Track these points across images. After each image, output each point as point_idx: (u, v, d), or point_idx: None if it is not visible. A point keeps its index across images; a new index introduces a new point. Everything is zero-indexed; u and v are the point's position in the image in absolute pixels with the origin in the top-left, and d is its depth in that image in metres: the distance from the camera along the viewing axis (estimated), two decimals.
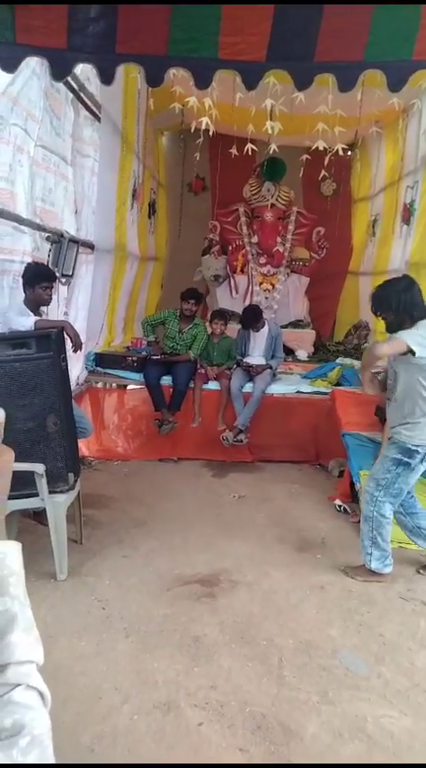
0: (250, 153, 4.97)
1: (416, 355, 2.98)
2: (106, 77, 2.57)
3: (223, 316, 5.88)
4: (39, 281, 3.49)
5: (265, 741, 2.17)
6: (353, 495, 4.41)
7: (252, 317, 5.65)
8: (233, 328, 6.13)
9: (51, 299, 3.65)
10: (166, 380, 5.39)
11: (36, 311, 3.57)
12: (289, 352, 6.94)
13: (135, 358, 5.47)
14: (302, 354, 7.11)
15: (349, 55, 2.67)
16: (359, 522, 3.46)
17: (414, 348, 2.97)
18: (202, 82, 2.54)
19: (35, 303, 3.54)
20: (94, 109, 4.65)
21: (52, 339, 3.08)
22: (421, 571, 3.45)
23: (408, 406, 3.15)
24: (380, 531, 3.25)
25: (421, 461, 3.16)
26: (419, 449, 3.13)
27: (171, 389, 5.35)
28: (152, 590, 3.13)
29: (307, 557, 3.64)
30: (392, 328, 3.16)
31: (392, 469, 3.19)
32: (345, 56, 2.67)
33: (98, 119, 4.76)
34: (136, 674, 2.47)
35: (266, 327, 5.81)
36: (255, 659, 2.62)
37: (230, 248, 7.44)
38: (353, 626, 2.90)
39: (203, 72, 2.52)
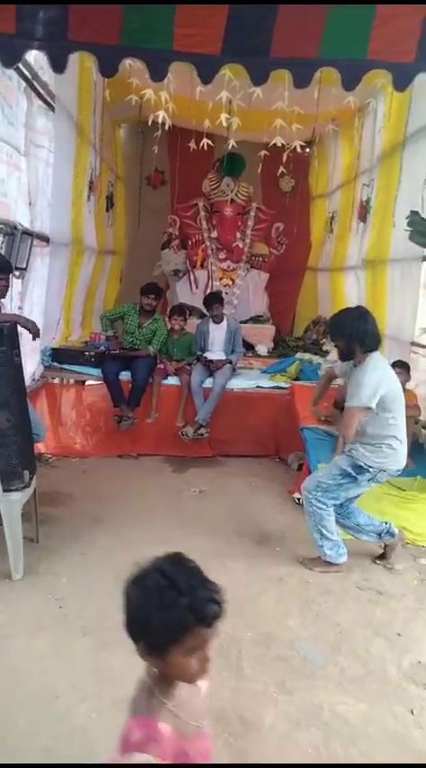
0: (206, 148, 4.95)
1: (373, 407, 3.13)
2: (58, 65, 2.51)
3: (182, 311, 5.86)
4: None
5: (224, 733, 2.18)
6: None
7: (214, 300, 5.68)
8: (193, 323, 6.12)
9: (7, 290, 3.54)
10: (125, 376, 5.34)
11: None
12: (249, 347, 6.98)
13: (93, 353, 5.39)
14: (262, 349, 7.15)
15: (304, 52, 2.70)
16: None
17: (371, 406, 3.13)
18: (157, 74, 2.51)
19: None
20: (48, 98, 4.55)
21: (4, 334, 3.00)
22: (377, 561, 3.54)
23: (370, 430, 3.23)
24: (323, 523, 3.34)
25: (369, 480, 3.27)
26: (371, 469, 3.23)
27: (130, 385, 5.31)
28: (110, 587, 3.10)
29: (266, 550, 3.68)
30: (344, 355, 3.31)
31: (337, 479, 3.29)
32: (300, 52, 2.69)
33: (52, 108, 4.65)
34: (94, 671, 2.45)
35: (225, 322, 5.83)
36: (214, 652, 2.62)
37: (190, 243, 7.41)
38: (311, 616, 2.95)
39: (158, 64, 2.50)
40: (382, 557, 3.55)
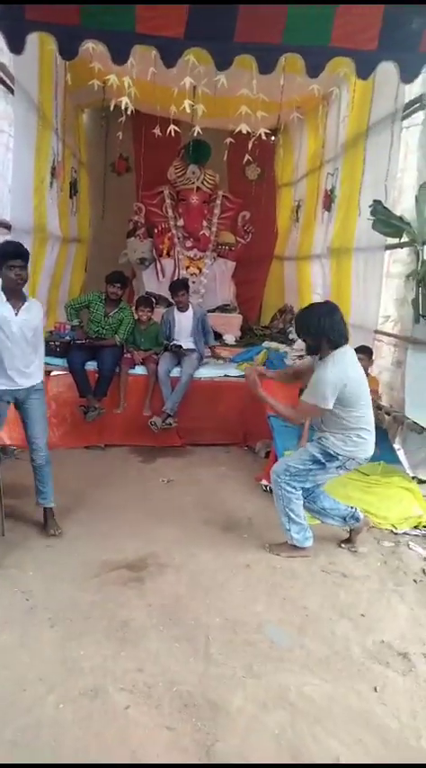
0: (173, 134, 4.89)
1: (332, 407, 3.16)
2: (15, 46, 2.45)
3: (149, 302, 5.83)
4: (5, 259, 3.14)
5: (192, 718, 2.20)
6: None
7: (179, 286, 5.73)
8: (160, 313, 6.08)
9: (25, 280, 3.27)
10: (91, 365, 5.28)
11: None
12: (217, 336, 6.98)
13: (58, 343, 5.31)
14: (229, 338, 7.16)
15: (268, 37, 2.69)
16: None
17: (326, 408, 3.14)
18: (119, 57, 2.47)
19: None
20: (8, 81, 4.41)
21: None
22: (343, 545, 3.61)
23: (339, 423, 3.27)
24: (291, 506, 3.38)
25: (338, 468, 3.32)
26: (340, 457, 3.28)
27: (96, 375, 5.25)
28: (78, 578, 3.08)
29: (234, 537, 3.71)
30: (310, 350, 3.32)
31: (307, 464, 3.33)
32: (264, 38, 2.68)
33: (12, 91, 4.52)
34: (61, 663, 2.43)
35: (190, 310, 5.82)
36: (183, 639, 2.65)
37: (156, 231, 7.34)
38: (278, 601, 2.99)
39: (119, 46, 2.45)
40: (347, 540, 3.62)
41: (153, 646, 2.59)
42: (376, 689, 2.35)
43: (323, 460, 3.31)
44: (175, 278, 7.19)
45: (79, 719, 2.15)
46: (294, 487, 3.36)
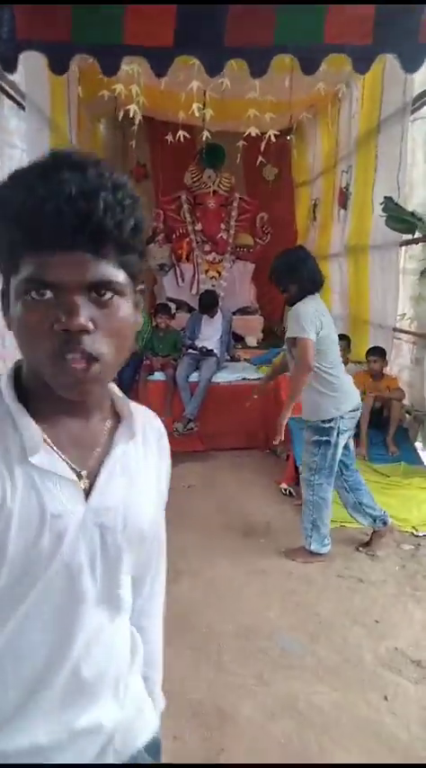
0: (182, 140, 4.92)
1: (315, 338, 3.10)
2: (8, 65, 2.49)
3: (167, 309, 5.90)
4: None
5: (200, 727, 2.19)
6: (298, 478, 4.48)
7: (209, 302, 5.70)
8: (181, 318, 6.15)
9: None
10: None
11: None
12: (239, 338, 6.97)
13: None
14: (251, 341, 7.15)
15: (259, 39, 2.67)
16: (301, 504, 3.52)
17: (311, 337, 3.08)
18: (109, 69, 2.50)
19: None
20: (18, 98, 4.51)
21: None
22: (361, 549, 3.54)
23: (315, 383, 3.21)
24: (320, 514, 3.32)
25: (338, 435, 3.23)
26: (331, 424, 3.20)
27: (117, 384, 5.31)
28: None
29: (251, 542, 3.69)
30: (294, 299, 3.23)
31: (316, 452, 3.26)
32: (255, 40, 2.66)
33: (23, 107, 4.61)
34: None
35: (219, 314, 5.87)
36: (195, 647, 2.65)
37: (174, 236, 7.38)
38: (291, 607, 2.96)
39: (109, 59, 2.47)
40: (366, 544, 3.55)
41: (165, 652, 2.59)
42: (386, 697, 2.30)
43: (324, 437, 3.22)
44: (195, 282, 7.22)
45: None
46: (328, 485, 3.30)
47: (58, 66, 2.48)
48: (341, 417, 3.22)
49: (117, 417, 0.87)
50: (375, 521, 3.46)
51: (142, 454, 0.90)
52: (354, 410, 3.30)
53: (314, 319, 3.10)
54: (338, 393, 3.22)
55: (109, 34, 2.39)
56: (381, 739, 2.10)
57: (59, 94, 5.35)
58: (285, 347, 3.41)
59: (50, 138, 5.24)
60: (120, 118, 4.81)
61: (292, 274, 3.16)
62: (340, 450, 3.31)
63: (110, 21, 2.39)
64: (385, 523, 3.47)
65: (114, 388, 0.88)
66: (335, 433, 3.22)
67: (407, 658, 2.54)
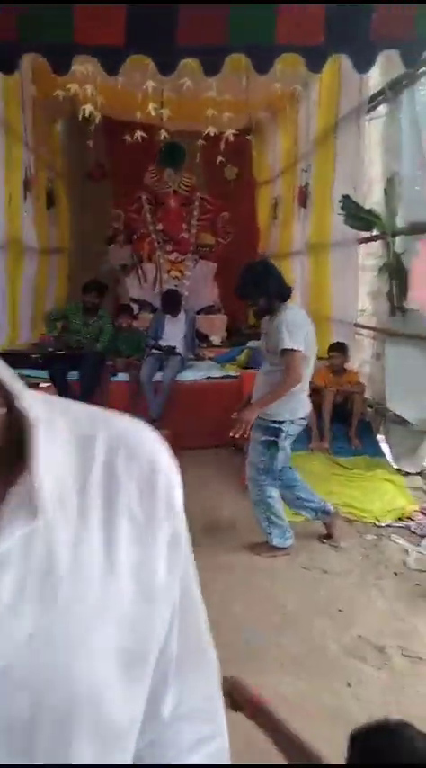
0: (140, 140, 4.91)
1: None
2: None
3: (129, 310, 5.89)
4: None
5: None
6: None
7: (170, 302, 5.68)
8: (145, 318, 6.12)
9: None
10: (74, 376, 5.28)
11: None
12: (203, 337, 6.99)
13: (39, 355, 5.32)
14: (216, 339, 7.17)
15: (212, 38, 2.68)
16: None
17: (300, 348, 3.10)
18: (60, 68, 2.47)
19: None
20: None
21: None
22: (324, 540, 3.59)
23: (265, 389, 3.24)
24: (272, 510, 3.36)
25: (285, 438, 3.27)
26: (281, 426, 3.22)
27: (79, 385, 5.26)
28: None
29: (217, 538, 3.69)
30: (263, 312, 3.28)
31: (265, 452, 3.30)
32: (209, 39, 2.67)
33: None
34: None
35: (183, 313, 5.86)
36: None
37: (135, 237, 7.35)
38: (257, 600, 2.98)
39: (59, 57, 2.45)
40: (327, 536, 3.60)
41: None
42: (349, 684, 2.34)
43: (272, 438, 3.24)
44: (158, 282, 7.21)
45: None
46: (273, 486, 3.34)
47: (6, 65, 2.44)
48: (292, 422, 3.25)
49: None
50: (316, 513, 3.50)
51: (98, 538, 0.44)
52: (303, 418, 3.35)
53: (300, 330, 3.12)
54: (295, 399, 3.24)
55: (59, 33, 2.37)
56: (345, 724, 2.11)
57: (13, 94, 5.27)
58: (257, 347, 3.39)
59: (4, 139, 5.17)
60: (80, 117, 4.77)
61: (259, 287, 3.18)
62: (288, 453, 3.37)
63: (60, 19, 2.37)
64: (327, 513, 3.50)
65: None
66: (283, 436, 3.25)
67: (370, 645, 2.59)
